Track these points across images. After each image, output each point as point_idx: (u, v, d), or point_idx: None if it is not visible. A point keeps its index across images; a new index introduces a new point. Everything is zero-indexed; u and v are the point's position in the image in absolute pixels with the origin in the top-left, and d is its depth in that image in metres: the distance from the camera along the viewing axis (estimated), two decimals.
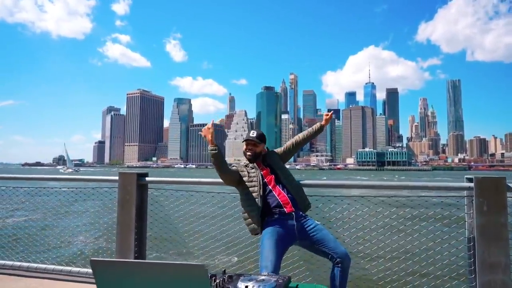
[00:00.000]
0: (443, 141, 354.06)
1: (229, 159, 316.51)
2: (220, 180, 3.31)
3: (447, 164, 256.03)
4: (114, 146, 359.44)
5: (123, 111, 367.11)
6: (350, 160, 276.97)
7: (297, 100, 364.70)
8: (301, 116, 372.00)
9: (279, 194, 2.56)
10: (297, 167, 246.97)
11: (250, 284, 1.16)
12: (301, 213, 2.56)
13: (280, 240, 2.41)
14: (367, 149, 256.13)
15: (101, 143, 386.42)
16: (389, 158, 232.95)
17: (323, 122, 2.95)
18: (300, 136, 2.95)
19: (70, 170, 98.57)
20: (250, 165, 2.72)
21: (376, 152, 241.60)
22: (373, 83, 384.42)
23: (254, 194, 2.58)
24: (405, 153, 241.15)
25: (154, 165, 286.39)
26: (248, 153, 2.73)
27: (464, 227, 2.65)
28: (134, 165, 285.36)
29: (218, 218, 3.38)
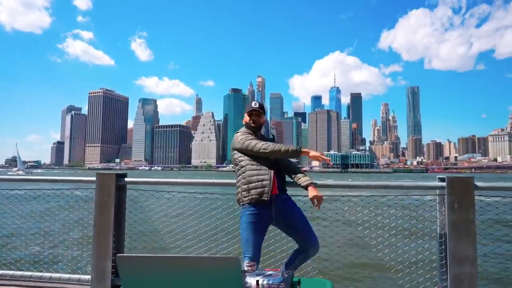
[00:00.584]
0: (403, 144, 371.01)
1: (195, 161, 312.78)
2: (203, 180, 3.32)
3: (406, 166, 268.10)
4: (74, 147, 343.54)
5: (85, 110, 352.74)
6: (315, 163, 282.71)
7: (264, 103, 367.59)
8: (268, 119, 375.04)
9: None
10: None
11: (260, 279, 1.19)
12: (282, 194, 2.64)
13: (259, 224, 2.54)
14: (332, 152, 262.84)
15: (60, 144, 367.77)
16: (353, 161, 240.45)
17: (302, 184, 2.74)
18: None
19: (21, 172, 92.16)
20: (252, 133, 2.81)
21: (340, 155, 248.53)
22: (338, 87, 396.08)
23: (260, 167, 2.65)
24: (368, 156, 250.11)
25: (117, 167, 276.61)
26: (252, 124, 2.80)
27: (436, 224, 2.83)
28: (96, 167, 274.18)
29: (199, 218, 3.36)
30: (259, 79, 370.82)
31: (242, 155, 2.73)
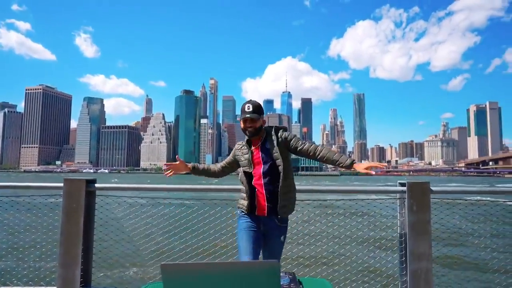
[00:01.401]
0: (349, 148, 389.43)
1: (144, 163, 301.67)
2: (178, 186, 3.31)
3: (352, 170, 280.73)
4: (8, 147, 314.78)
5: (21, 108, 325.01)
6: None
7: (216, 105, 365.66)
8: (221, 121, 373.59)
9: (259, 189, 2.47)
10: None
11: None
12: (274, 219, 2.45)
13: (253, 231, 2.43)
14: None
15: None
16: (303, 164, 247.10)
17: (354, 167, 2.58)
18: (319, 153, 2.52)
19: None
20: (244, 145, 2.60)
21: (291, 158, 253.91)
22: (289, 92, 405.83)
23: (243, 180, 2.54)
24: None
25: (58, 170, 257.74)
26: (249, 130, 2.51)
27: (396, 224, 3.11)
28: (33, 170, 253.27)
29: (173, 225, 3.34)
30: (212, 81, 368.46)
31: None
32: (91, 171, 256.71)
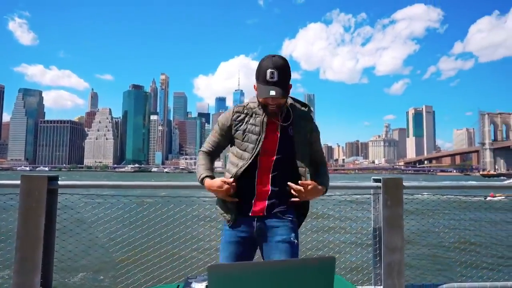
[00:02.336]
0: None
1: (88, 161, 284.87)
2: (151, 183, 3.13)
3: None
4: None
5: None
6: (218, 164, 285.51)
7: (167, 102, 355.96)
8: (171, 118, 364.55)
9: (261, 181, 1.73)
10: (166, 170, 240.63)
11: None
12: (273, 214, 1.73)
13: (239, 251, 1.75)
14: None
15: None
16: None
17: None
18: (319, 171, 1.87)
19: None
20: (254, 115, 1.75)
21: None
22: (242, 90, 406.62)
23: (239, 161, 1.75)
24: None
25: None
26: (270, 107, 1.69)
27: (371, 219, 3.21)
28: None
29: (142, 226, 3.13)
30: (163, 77, 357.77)
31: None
32: (27, 168, 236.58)
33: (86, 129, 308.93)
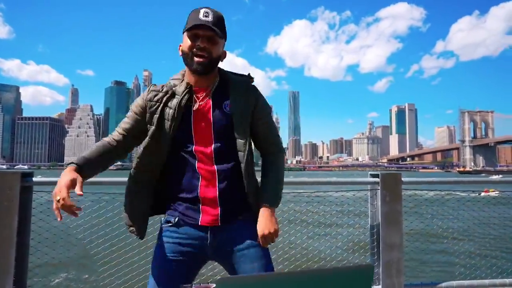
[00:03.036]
0: (284, 144, 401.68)
1: (68, 158, 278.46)
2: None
3: (287, 165, 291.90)
4: None
5: None
6: None
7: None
8: None
9: (207, 182, 1.32)
10: None
11: None
12: (231, 223, 1.35)
13: (177, 270, 1.33)
14: None
15: None
16: None
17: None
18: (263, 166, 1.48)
19: None
20: (175, 88, 1.35)
21: None
22: None
23: (146, 158, 1.35)
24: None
25: None
26: (198, 57, 1.29)
27: (368, 216, 3.09)
28: None
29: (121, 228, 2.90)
30: (146, 73, 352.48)
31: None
32: (4, 167, 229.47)
33: (66, 126, 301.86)
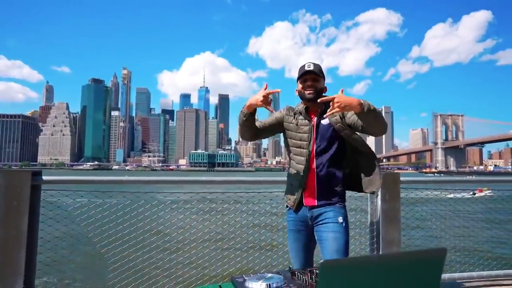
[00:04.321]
0: (264, 145, 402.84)
1: (42, 158, 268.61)
2: (148, 178, 2.93)
3: (267, 165, 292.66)
4: None
5: None
6: (182, 161, 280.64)
7: (129, 97, 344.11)
8: (134, 114, 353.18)
9: (311, 175, 2.02)
10: (127, 167, 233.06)
11: (266, 283, 1.06)
12: (325, 205, 2.01)
13: (302, 232, 2.06)
14: (199, 151, 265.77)
15: None
16: (220, 160, 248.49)
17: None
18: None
19: None
20: (301, 112, 2.07)
21: (207, 153, 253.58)
22: (207, 87, 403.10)
23: (298, 157, 2.05)
24: (233, 155, 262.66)
25: None
26: (309, 91, 2.00)
27: (368, 213, 3.24)
28: None
29: (133, 226, 2.93)
30: (125, 71, 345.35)
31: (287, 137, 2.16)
32: None
33: (40, 124, 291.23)
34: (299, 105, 2.13)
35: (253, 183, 3.16)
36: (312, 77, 2.00)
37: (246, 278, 1.10)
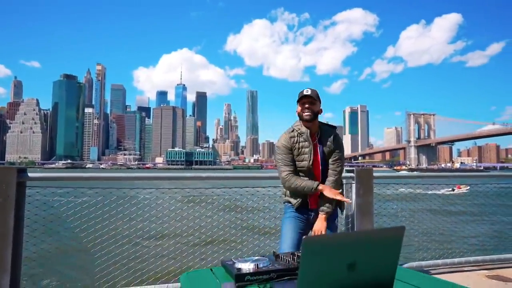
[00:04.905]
0: (242, 143, 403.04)
1: (11, 156, 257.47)
2: (129, 175, 3.02)
3: (245, 163, 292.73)
4: None
5: None
6: (159, 159, 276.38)
7: (104, 94, 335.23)
8: (108, 111, 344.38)
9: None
10: (102, 166, 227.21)
11: (254, 264, 1.19)
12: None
13: (299, 221, 2.42)
14: (176, 149, 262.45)
15: None
16: (197, 158, 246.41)
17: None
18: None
19: None
20: (303, 136, 2.38)
21: (185, 151, 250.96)
22: (184, 85, 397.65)
23: (301, 174, 2.39)
24: (211, 153, 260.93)
25: None
26: (306, 113, 2.34)
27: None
28: None
29: (108, 221, 2.99)
30: (99, 67, 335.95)
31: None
32: None
33: (8, 121, 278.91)
34: (297, 124, 2.45)
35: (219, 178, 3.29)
36: (309, 101, 2.35)
37: (235, 261, 1.24)
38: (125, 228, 2.87)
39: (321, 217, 2.34)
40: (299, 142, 2.38)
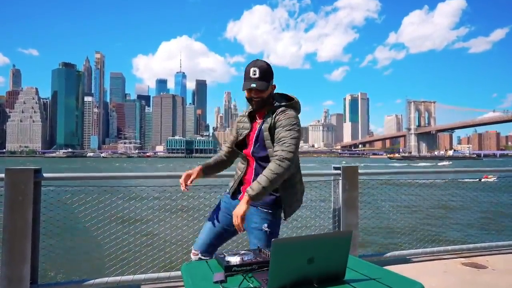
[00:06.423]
0: None
1: (11, 145, 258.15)
2: (142, 174, 3.30)
3: None
4: None
5: None
6: (159, 148, 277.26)
7: (103, 82, 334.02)
8: (108, 100, 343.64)
9: (247, 172, 2.04)
10: (102, 155, 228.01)
11: (240, 257, 1.43)
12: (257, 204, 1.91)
13: (221, 216, 2.06)
14: (176, 137, 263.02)
15: None
16: (197, 146, 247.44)
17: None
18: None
19: None
20: (246, 117, 2.09)
21: (185, 140, 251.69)
22: (184, 72, 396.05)
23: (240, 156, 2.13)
24: (211, 141, 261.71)
25: None
26: (255, 100, 1.96)
27: (331, 201, 3.74)
28: None
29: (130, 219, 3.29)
30: (98, 55, 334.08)
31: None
32: None
33: (7, 110, 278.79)
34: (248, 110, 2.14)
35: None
36: (254, 90, 1.96)
37: (225, 254, 1.54)
38: (132, 222, 3.17)
39: (244, 199, 1.80)
40: (243, 121, 2.11)
